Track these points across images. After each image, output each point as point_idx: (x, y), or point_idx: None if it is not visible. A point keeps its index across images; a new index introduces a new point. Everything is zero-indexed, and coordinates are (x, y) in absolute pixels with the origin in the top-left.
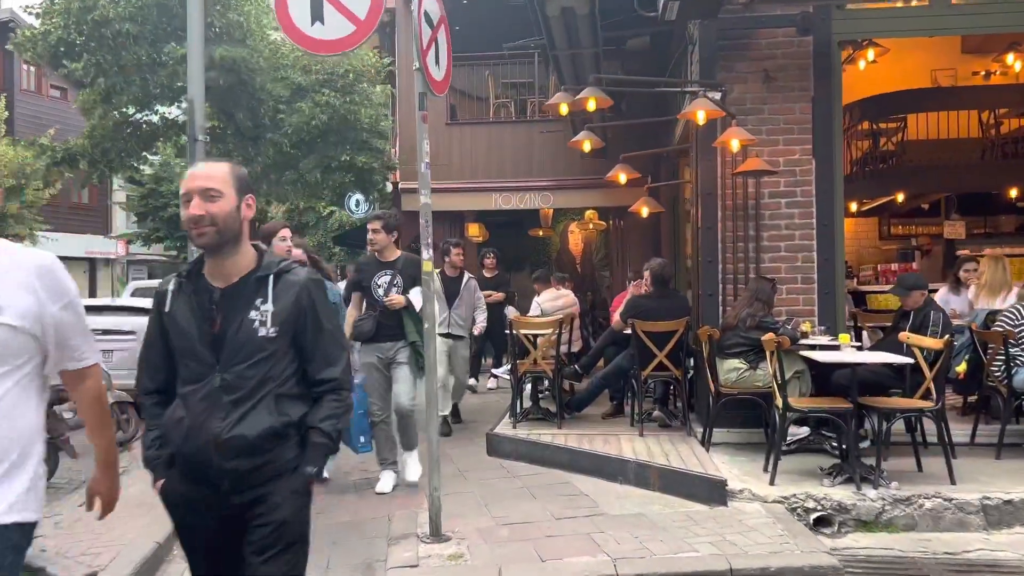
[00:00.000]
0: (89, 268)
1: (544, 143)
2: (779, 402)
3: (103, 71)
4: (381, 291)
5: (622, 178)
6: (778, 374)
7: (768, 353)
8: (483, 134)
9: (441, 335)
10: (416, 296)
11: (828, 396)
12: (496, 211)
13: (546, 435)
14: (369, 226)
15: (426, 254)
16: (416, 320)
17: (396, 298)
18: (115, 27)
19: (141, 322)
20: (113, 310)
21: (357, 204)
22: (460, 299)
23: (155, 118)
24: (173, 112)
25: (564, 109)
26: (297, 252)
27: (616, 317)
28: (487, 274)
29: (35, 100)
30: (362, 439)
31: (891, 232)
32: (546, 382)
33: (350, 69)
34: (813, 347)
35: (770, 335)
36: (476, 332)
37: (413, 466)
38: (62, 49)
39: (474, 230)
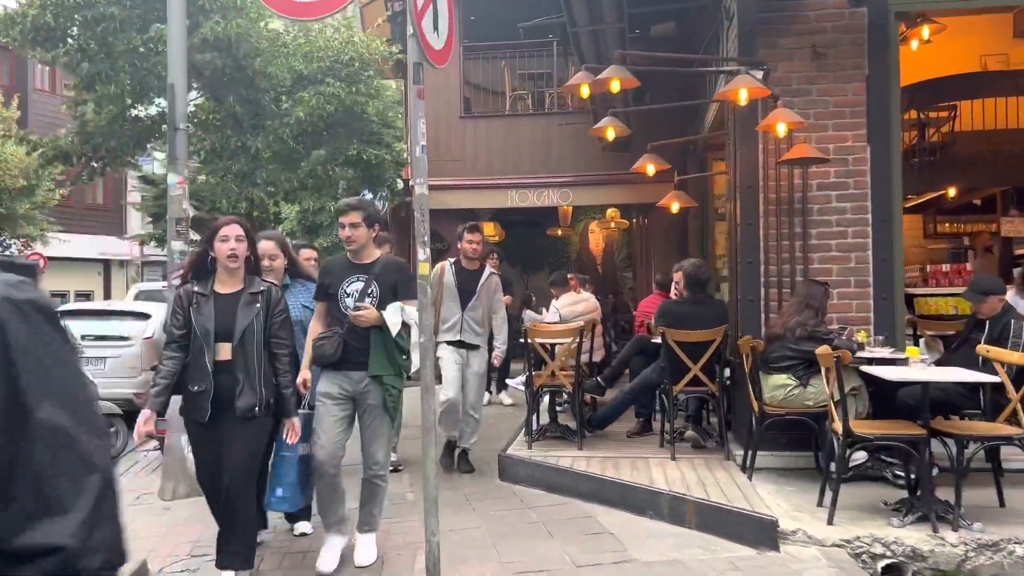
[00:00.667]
0: (104, 269)
1: (563, 137)
2: (838, 426)
3: (88, 56)
4: (350, 301)
5: (650, 169)
6: (836, 394)
7: (823, 369)
8: (499, 127)
9: (450, 343)
10: (393, 314)
11: (888, 417)
12: (512, 209)
13: (565, 457)
14: (343, 219)
15: (422, 254)
16: (389, 347)
17: (365, 311)
18: (99, 11)
19: (139, 327)
20: (109, 315)
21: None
22: (477, 298)
23: (153, 111)
24: None
25: (585, 91)
26: (267, 245)
27: (652, 323)
28: None
29: (49, 100)
30: (279, 491)
31: (937, 230)
32: (565, 396)
33: (355, 57)
34: (871, 361)
35: (825, 348)
36: (496, 363)
37: (367, 549)
38: (42, 34)
39: (489, 229)
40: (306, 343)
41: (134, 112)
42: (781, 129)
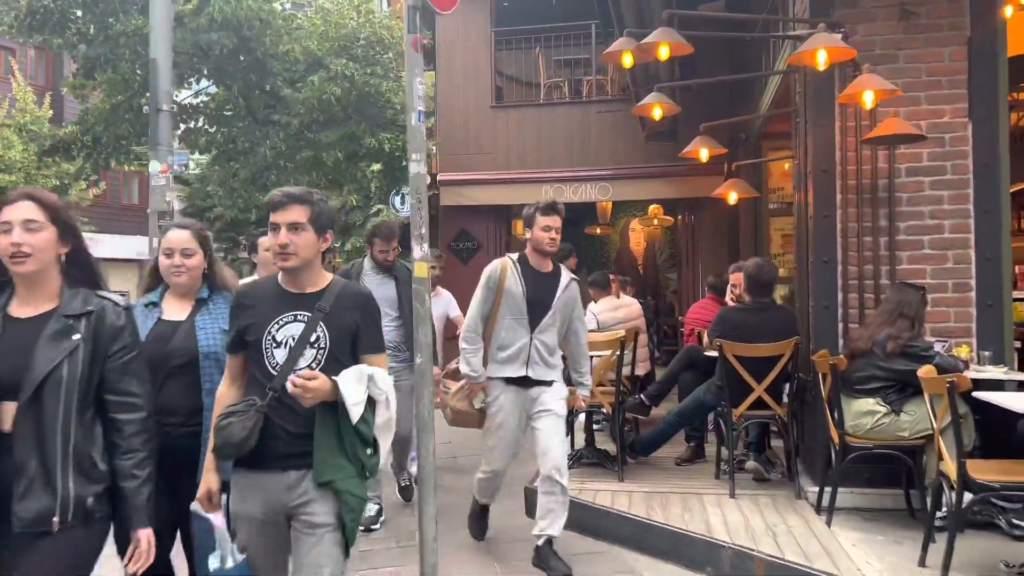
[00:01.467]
0: (140, 270)
1: (602, 126)
2: (949, 468)
3: (85, 39)
4: (281, 354)
5: (703, 154)
6: (940, 428)
7: (927, 396)
8: (532, 118)
9: (511, 381)
10: (356, 387)
11: (997, 451)
12: None
13: (604, 491)
14: (277, 215)
15: (419, 252)
16: (347, 436)
17: (310, 379)
18: None
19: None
20: None
21: (402, 201)
22: (553, 314)
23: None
24: (183, 95)
25: (628, 60)
26: (179, 237)
27: (706, 336)
28: None
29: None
30: None
31: (1022, 226)
32: (603, 416)
33: (372, 36)
34: (978, 384)
35: (930, 369)
36: (578, 405)
37: None
38: (38, 17)
39: (522, 228)
40: (211, 422)
41: (141, 101)
42: (868, 99)
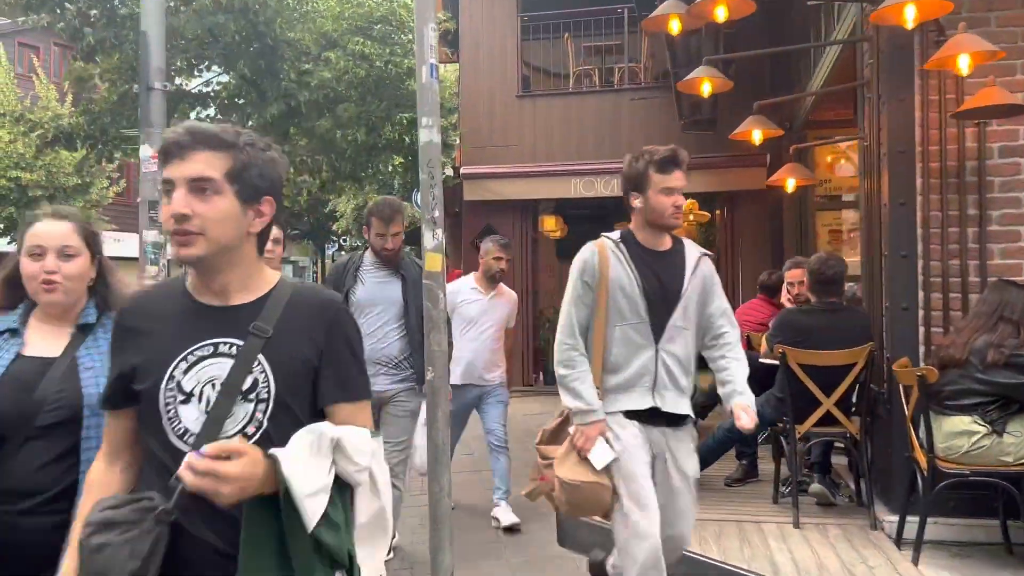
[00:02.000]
0: (165, 271)
1: (634, 116)
2: None
3: (89, 21)
4: (192, 415)
5: (756, 136)
6: None
7: None
8: (560, 107)
9: (633, 415)
10: (302, 456)
11: None
12: (576, 200)
13: None
14: (171, 170)
15: (430, 239)
16: (303, 554)
17: (223, 456)
18: None
19: None
20: None
21: None
22: (684, 310)
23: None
24: (193, 83)
25: (675, 26)
26: (53, 230)
27: (764, 341)
28: None
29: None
30: None
31: None
32: None
33: (389, 14)
34: None
35: None
36: (748, 426)
37: None
38: None
39: (550, 224)
40: (71, 535)
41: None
42: (964, 64)
